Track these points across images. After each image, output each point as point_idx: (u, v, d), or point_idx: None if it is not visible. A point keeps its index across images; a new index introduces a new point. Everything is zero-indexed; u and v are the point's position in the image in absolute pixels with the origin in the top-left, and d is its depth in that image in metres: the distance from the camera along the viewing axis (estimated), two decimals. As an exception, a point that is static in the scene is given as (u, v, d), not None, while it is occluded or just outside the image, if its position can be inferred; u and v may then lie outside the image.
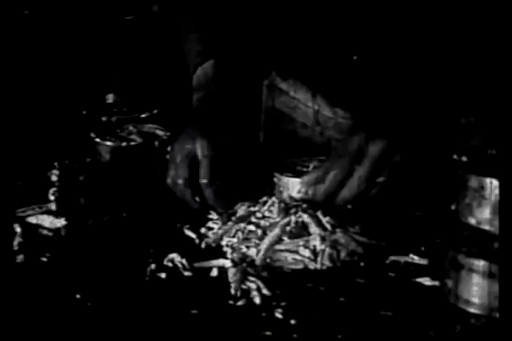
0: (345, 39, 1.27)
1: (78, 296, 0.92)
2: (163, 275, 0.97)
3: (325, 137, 1.39)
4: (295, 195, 1.12)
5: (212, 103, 1.23)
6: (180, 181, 1.15)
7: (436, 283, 0.94)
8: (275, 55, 1.39)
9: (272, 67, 1.44)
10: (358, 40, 1.26)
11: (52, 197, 1.14)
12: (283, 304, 0.90)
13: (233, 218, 1.09)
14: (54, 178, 1.15)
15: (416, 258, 1.01)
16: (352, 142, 1.10)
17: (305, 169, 1.16)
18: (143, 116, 1.37)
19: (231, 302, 0.91)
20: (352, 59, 1.28)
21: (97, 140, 1.27)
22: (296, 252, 1.01)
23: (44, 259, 1.01)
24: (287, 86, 1.43)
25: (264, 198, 1.11)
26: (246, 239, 1.04)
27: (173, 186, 1.16)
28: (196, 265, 1.00)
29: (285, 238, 1.02)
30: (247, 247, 1.03)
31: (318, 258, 1.00)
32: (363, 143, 1.09)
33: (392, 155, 1.09)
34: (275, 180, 1.15)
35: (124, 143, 1.26)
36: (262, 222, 1.06)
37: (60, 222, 1.10)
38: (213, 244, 1.05)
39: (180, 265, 0.99)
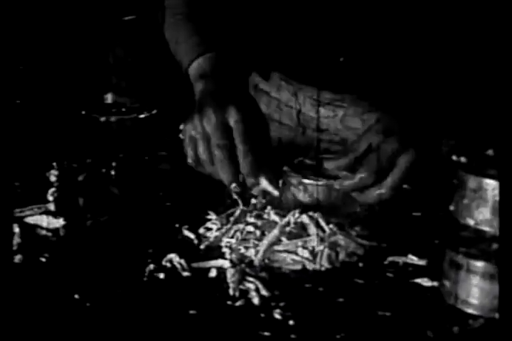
0: (330, 38, 1.27)
1: (77, 296, 0.92)
2: (161, 275, 0.97)
3: (307, 137, 1.39)
4: (304, 198, 1.11)
5: (216, 91, 1.17)
6: (216, 152, 1.09)
7: (435, 283, 0.94)
8: (257, 55, 1.38)
9: (253, 67, 1.43)
10: (344, 39, 1.26)
11: (50, 198, 1.14)
12: (282, 305, 0.90)
13: (231, 218, 1.09)
14: (53, 178, 1.15)
15: (415, 259, 1.01)
16: (387, 149, 1.08)
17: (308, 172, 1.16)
18: (142, 116, 1.37)
19: (229, 302, 0.91)
20: (336, 58, 1.28)
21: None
22: (295, 253, 1.01)
23: (42, 259, 1.01)
24: (269, 86, 1.42)
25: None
26: (245, 240, 1.04)
27: (198, 164, 1.12)
28: (195, 265, 1.00)
29: (284, 239, 1.02)
30: (246, 248, 1.03)
31: (317, 259, 1.00)
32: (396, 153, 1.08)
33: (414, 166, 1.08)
34: (284, 177, 1.14)
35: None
36: (261, 223, 1.06)
37: (59, 223, 1.10)
38: (212, 245, 1.05)
39: (178, 265, 0.99)
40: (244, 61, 1.29)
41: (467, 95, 1.21)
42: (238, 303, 0.91)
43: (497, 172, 0.86)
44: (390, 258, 1.01)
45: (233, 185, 1.10)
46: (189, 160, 1.14)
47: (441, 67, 1.22)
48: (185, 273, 0.98)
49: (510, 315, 0.80)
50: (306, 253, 1.00)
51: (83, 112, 1.40)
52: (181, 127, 1.16)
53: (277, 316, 0.88)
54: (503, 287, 0.83)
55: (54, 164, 1.17)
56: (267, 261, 1.01)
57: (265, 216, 1.08)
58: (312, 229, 1.03)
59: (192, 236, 1.08)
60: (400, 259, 1.01)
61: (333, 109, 1.35)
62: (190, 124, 1.13)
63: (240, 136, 1.10)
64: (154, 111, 1.38)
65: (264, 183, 1.10)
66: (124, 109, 1.41)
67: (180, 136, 1.15)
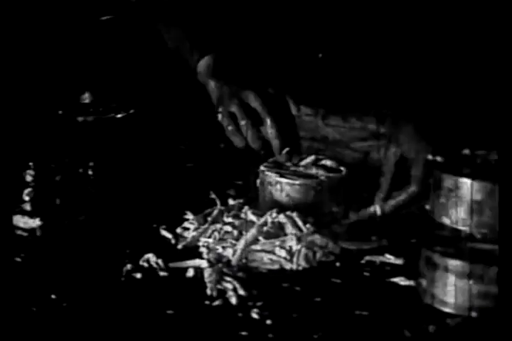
0: (313, 35, 1.27)
1: (53, 296, 0.91)
2: (138, 275, 0.97)
3: None
4: (282, 197, 1.11)
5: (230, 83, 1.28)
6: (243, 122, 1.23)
7: (412, 282, 0.95)
8: (241, 52, 1.38)
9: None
10: (327, 37, 1.27)
11: (26, 198, 1.13)
12: (259, 304, 0.90)
13: (209, 218, 1.09)
14: (29, 178, 1.14)
15: (391, 258, 1.01)
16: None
17: (291, 168, 1.16)
18: (119, 116, 1.36)
19: (207, 302, 0.91)
20: (318, 56, 1.29)
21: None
22: (272, 252, 1.01)
23: (18, 259, 1.00)
24: None
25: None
26: (222, 240, 1.04)
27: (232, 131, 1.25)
28: (172, 265, 0.99)
29: (261, 238, 1.02)
30: (223, 247, 1.03)
31: (294, 259, 1.00)
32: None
33: None
34: (261, 176, 1.14)
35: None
36: (238, 223, 1.06)
37: (35, 223, 1.10)
38: (189, 245, 1.05)
39: (156, 265, 0.99)
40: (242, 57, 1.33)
41: (452, 95, 1.22)
42: (216, 303, 0.91)
43: (498, 174, 0.87)
44: (367, 258, 1.02)
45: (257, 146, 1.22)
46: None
47: (430, 68, 1.22)
48: (163, 273, 0.98)
49: (509, 315, 0.80)
50: (283, 253, 1.00)
51: (60, 112, 1.39)
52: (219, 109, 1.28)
53: (255, 316, 0.88)
54: (503, 288, 0.83)
55: (30, 164, 1.17)
56: (244, 260, 1.01)
57: (242, 216, 1.08)
58: (289, 229, 1.03)
59: (169, 235, 1.08)
60: (377, 258, 1.02)
61: (314, 106, 1.35)
62: (220, 107, 1.26)
63: (258, 107, 1.24)
64: (132, 111, 1.38)
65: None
66: (101, 109, 1.41)
67: (218, 116, 1.28)
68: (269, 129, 1.23)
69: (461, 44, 1.21)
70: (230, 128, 1.26)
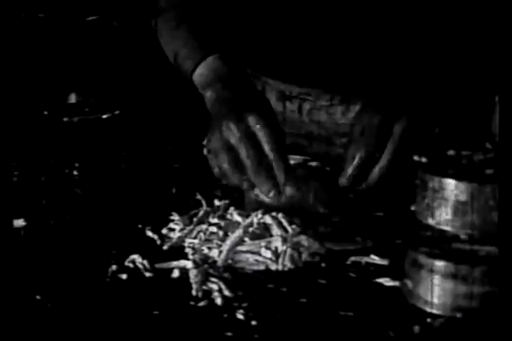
0: (297, 31, 1.27)
1: (38, 297, 0.91)
2: (124, 276, 0.97)
3: None
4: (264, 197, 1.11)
5: (229, 98, 1.11)
6: (225, 166, 1.06)
7: (397, 283, 0.95)
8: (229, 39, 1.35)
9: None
10: (311, 33, 1.27)
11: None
12: (244, 305, 0.90)
13: (195, 219, 1.09)
14: (13, 179, 1.14)
15: (377, 259, 1.02)
16: (374, 121, 1.07)
17: None
18: (104, 116, 1.36)
19: (192, 303, 0.91)
20: (303, 52, 1.28)
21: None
22: (258, 253, 1.01)
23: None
24: None
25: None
26: (208, 240, 1.04)
27: (224, 176, 1.08)
28: (157, 266, 0.99)
29: (247, 239, 1.03)
30: (209, 248, 1.03)
31: (280, 260, 1.00)
32: (386, 123, 1.07)
33: (413, 134, 1.08)
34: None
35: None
36: (224, 224, 1.06)
37: (20, 223, 1.09)
38: (175, 245, 1.05)
39: (141, 266, 0.99)
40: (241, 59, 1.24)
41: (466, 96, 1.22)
42: (201, 304, 0.91)
43: (497, 174, 0.87)
44: (352, 258, 1.02)
45: (272, 194, 1.06)
46: (215, 173, 1.10)
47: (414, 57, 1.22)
48: (148, 274, 0.98)
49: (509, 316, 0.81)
50: (269, 254, 1.01)
51: (46, 112, 1.39)
52: (204, 142, 1.13)
53: (240, 316, 0.88)
54: (504, 289, 0.83)
55: (14, 164, 1.17)
56: (230, 261, 1.01)
57: (228, 216, 1.08)
58: (275, 230, 1.03)
59: (155, 236, 1.08)
60: (362, 259, 1.02)
61: (299, 102, 1.36)
62: (212, 137, 1.10)
63: (269, 143, 1.06)
64: (117, 112, 1.38)
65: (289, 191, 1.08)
66: (87, 109, 1.41)
67: (204, 151, 1.13)
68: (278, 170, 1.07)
69: (451, 45, 1.21)
70: (215, 173, 1.10)
